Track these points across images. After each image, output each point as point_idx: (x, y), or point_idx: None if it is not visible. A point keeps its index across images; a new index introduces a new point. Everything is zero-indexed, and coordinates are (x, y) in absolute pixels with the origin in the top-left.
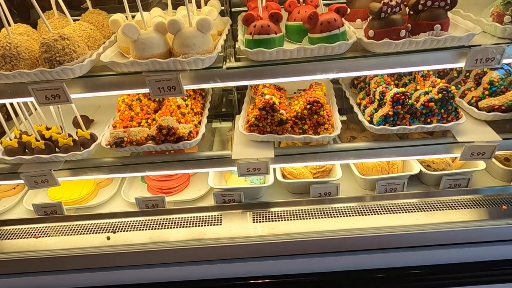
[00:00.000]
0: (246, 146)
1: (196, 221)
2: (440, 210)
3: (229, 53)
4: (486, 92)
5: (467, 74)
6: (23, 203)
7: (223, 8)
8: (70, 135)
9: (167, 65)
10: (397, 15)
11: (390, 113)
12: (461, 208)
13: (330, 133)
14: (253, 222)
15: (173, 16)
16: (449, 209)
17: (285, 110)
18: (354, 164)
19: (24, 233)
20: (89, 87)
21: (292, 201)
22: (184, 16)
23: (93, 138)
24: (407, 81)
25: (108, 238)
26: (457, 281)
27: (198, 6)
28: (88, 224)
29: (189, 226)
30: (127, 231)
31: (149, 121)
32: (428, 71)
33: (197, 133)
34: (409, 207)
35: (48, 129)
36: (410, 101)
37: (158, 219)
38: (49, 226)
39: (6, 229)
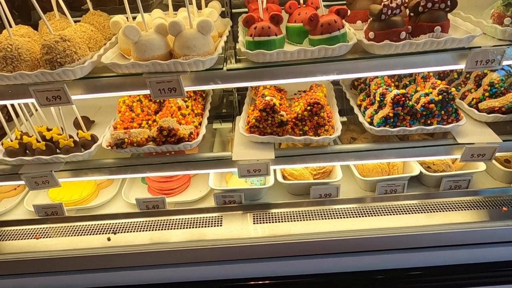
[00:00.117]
0: (246, 147)
1: (197, 222)
2: (440, 211)
3: (229, 54)
4: (487, 94)
5: (467, 75)
6: (23, 204)
7: (223, 9)
8: (71, 136)
9: (167, 67)
10: (397, 17)
11: (391, 114)
12: (461, 210)
13: (330, 135)
14: (254, 223)
15: (174, 18)
16: (449, 211)
17: (286, 112)
18: (355, 165)
19: (25, 234)
20: (90, 89)
21: (293, 202)
22: (185, 17)
23: (94, 139)
24: (408, 83)
25: (109, 239)
26: (458, 282)
27: (199, 7)
28: (89, 225)
29: (190, 227)
30: (127, 232)
31: (150, 122)
32: (429, 72)
33: (197, 134)
34: (410, 209)
35: (49, 130)
36: (410, 103)
37: (158, 220)
38: (49, 227)
39: (7, 230)
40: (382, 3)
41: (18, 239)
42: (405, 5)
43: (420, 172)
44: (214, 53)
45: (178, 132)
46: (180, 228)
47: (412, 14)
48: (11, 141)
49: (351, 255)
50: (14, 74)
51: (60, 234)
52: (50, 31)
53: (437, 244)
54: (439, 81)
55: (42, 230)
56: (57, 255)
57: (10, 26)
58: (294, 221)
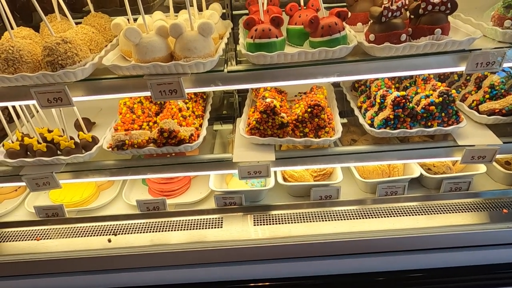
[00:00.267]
0: (247, 149)
1: (197, 224)
2: (440, 213)
3: (230, 56)
4: (487, 96)
5: (468, 77)
6: (24, 205)
7: (224, 11)
8: (71, 138)
9: (168, 69)
10: (397, 19)
11: (391, 116)
12: (462, 212)
13: (331, 136)
14: (254, 225)
15: (175, 20)
16: (449, 213)
17: (286, 113)
18: (355, 167)
19: (26, 235)
20: (91, 90)
21: (293, 204)
22: (186, 19)
23: (95, 140)
24: (408, 85)
25: (109, 241)
26: (458, 284)
27: (200, 9)
28: (89, 226)
29: (190, 229)
30: (128, 233)
31: (151, 124)
32: (429, 74)
33: (198, 136)
34: (410, 211)
35: (50, 131)
36: (410, 105)
37: (159, 222)
38: (50, 228)
39: (8, 231)
40: (383, 6)
41: (19, 240)
42: (406, 7)
43: (421, 174)
44: (214, 55)
45: (179, 134)
46: (181, 229)
47: (412, 16)
48: (12, 142)
49: (352, 257)
50: (16, 76)
51: (61, 235)
52: (51, 33)
53: (438, 246)
54: (439, 83)
55: (42, 232)
56: (57, 256)
57: (12, 28)
58: (295, 222)
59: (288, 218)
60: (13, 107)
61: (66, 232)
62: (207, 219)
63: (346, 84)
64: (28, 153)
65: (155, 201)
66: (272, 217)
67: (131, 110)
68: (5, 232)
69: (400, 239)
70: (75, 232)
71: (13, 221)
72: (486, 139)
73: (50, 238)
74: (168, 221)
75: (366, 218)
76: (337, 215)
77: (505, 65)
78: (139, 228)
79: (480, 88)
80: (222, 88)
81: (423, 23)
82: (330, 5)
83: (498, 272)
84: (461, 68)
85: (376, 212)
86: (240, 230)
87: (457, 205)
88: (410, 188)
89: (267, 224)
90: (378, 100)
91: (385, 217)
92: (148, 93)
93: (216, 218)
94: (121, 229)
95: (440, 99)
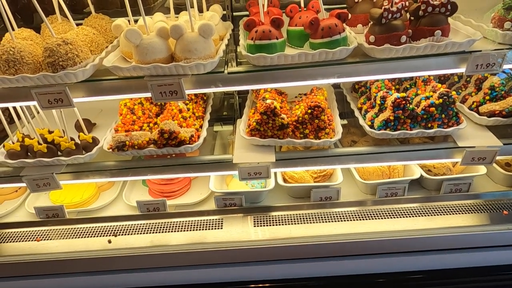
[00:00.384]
0: (247, 150)
1: (197, 225)
2: (441, 215)
3: (230, 57)
4: (487, 97)
5: (468, 79)
6: (25, 206)
7: (225, 12)
8: (72, 139)
9: (169, 70)
10: (398, 20)
11: (391, 117)
12: (462, 213)
13: (331, 138)
14: (254, 226)
15: (176, 21)
16: (450, 214)
17: (286, 115)
18: (355, 168)
19: (26, 236)
20: (92, 92)
21: (293, 205)
22: (186, 21)
23: (95, 141)
24: (408, 86)
25: (109, 242)
26: (458, 286)
27: (200, 11)
28: (90, 227)
29: (190, 230)
30: (128, 234)
31: (151, 125)
32: (429, 76)
33: (198, 137)
34: (410, 212)
35: (50, 132)
36: (411, 106)
37: (159, 223)
38: (50, 229)
39: (8, 232)
40: (383, 7)
41: (19, 241)
42: (406, 9)
43: (421, 175)
44: (215, 56)
45: (179, 135)
46: (181, 230)
47: (412, 18)
48: (13, 143)
49: (352, 258)
50: (17, 77)
51: (61, 236)
52: (52, 34)
53: (438, 247)
54: (439, 85)
55: (43, 232)
56: (58, 257)
57: (13, 29)
58: (295, 224)
59: (288, 219)
60: (14, 108)
61: (66, 233)
62: (207, 220)
63: (346, 85)
64: (29, 154)
65: (155, 202)
66: (272, 218)
67: (131, 111)
68: (5, 232)
69: (400, 241)
70: (75, 233)
71: (14, 221)
72: (486, 140)
73: (51, 239)
74: (168, 222)
75: (366, 219)
76: (337, 216)
77: (505, 66)
78: (139, 229)
79: (480, 90)
80: (223, 89)
81: (423, 25)
82: (330, 7)
83: (498, 274)
84: (461, 70)
85: (376, 214)
86: (240, 231)
87: (457, 207)
88: (410, 190)
89: (267, 225)
90: (378, 102)
91: (385, 218)
92: (148, 94)
93: (216, 219)
94: (121, 230)
95: (440, 100)
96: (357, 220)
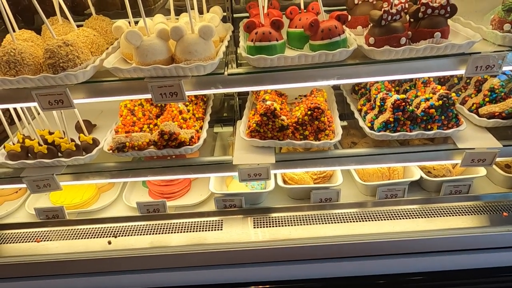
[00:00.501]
0: (247, 151)
1: (197, 226)
2: (440, 216)
3: (230, 59)
4: (487, 99)
5: (468, 80)
6: (25, 207)
7: (225, 14)
8: (72, 140)
9: (169, 72)
10: (397, 22)
11: (391, 119)
12: (462, 215)
13: (331, 139)
14: (254, 227)
15: (176, 23)
16: (450, 216)
17: (286, 116)
18: (355, 170)
19: (26, 237)
20: (92, 93)
21: (293, 206)
22: (187, 22)
23: (95, 143)
24: (408, 88)
25: (109, 243)
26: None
27: (201, 12)
28: (90, 228)
29: (190, 231)
30: (128, 235)
31: (151, 126)
32: (429, 77)
33: (198, 139)
34: (410, 213)
35: (50, 133)
36: (410, 108)
37: (159, 224)
38: (50, 230)
39: (8, 233)
40: (382, 9)
41: (19, 242)
42: (405, 11)
43: (421, 177)
44: (215, 58)
45: (179, 136)
46: (181, 232)
47: (412, 20)
48: (13, 144)
49: (352, 259)
50: (17, 78)
51: (61, 237)
52: (53, 35)
53: (438, 249)
54: (439, 86)
55: (43, 233)
56: (58, 258)
57: (14, 31)
58: (295, 225)
59: (288, 220)
60: (15, 109)
61: (66, 234)
62: (207, 221)
63: (346, 87)
64: (29, 155)
65: (155, 203)
66: (272, 219)
67: (131, 112)
68: (5, 233)
69: (400, 242)
70: (75, 234)
71: (14, 222)
72: (486, 142)
73: (50, 240)
74: (168, 223)
75: (366, 221)
76: (337, 217)
77: (505, 68)
78: (139, 230)
79: (480, 91)
80: (223, 91)
81: (422, 27)
82: (330, 9)
83: (498, 276)
84: (461, 72)
85: (376, 215)
86: (240, 233)
87: (457, 208)
88: (410, 191)
89: (267, 227)
90: (378, 103)
91: (385, 220)
92: (148, 96)
93: (216, 221)
94: (121, 231)
95: (440, 102)
96: (357, 221)
